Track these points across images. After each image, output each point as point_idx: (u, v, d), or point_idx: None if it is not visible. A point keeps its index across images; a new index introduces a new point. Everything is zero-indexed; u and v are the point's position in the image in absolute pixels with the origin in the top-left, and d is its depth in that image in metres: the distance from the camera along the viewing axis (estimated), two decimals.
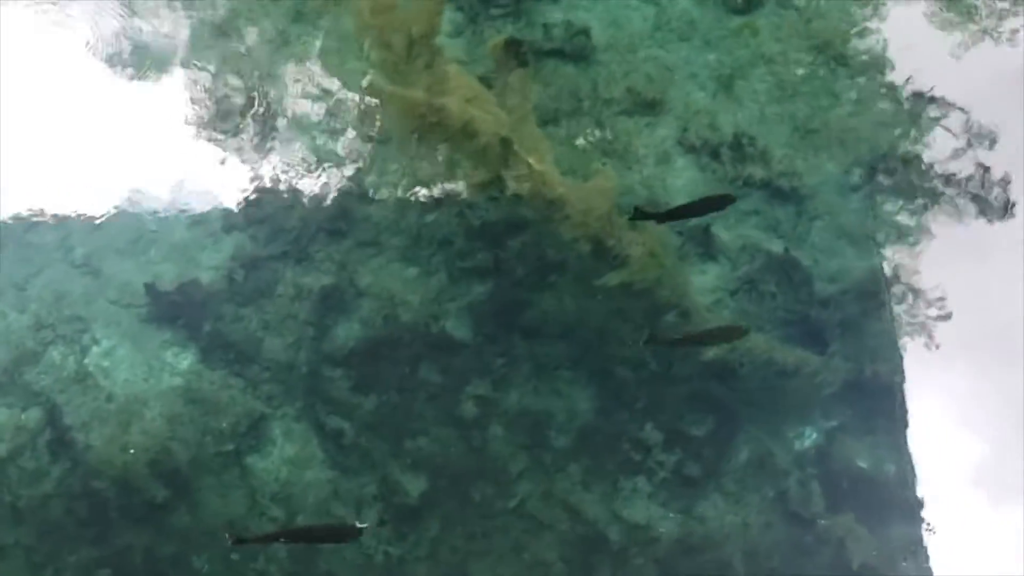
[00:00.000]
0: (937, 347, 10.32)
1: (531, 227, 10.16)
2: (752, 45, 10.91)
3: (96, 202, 10.59)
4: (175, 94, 10.85)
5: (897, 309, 10.44)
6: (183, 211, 10.64)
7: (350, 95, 10.76)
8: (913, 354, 10.32)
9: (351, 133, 10.78)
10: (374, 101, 10.60)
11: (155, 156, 10.65)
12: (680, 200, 10.50)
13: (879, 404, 10.18)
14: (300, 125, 10.79)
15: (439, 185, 10.46)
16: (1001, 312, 10.29)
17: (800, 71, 10.87)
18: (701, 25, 10.96)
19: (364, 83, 10.26)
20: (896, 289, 10.48)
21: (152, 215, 10.61)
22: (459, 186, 10.42)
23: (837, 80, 10.85)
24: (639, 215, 9.18)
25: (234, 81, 10.83)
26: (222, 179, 10.71)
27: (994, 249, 10.58)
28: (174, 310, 10.33)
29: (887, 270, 10.53)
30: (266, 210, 10.60)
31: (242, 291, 10.37)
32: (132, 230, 10.57)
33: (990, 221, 10.64)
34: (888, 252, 10.58)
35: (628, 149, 10.69)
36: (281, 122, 10.80)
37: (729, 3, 10.98)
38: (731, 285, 10.44)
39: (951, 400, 10.16)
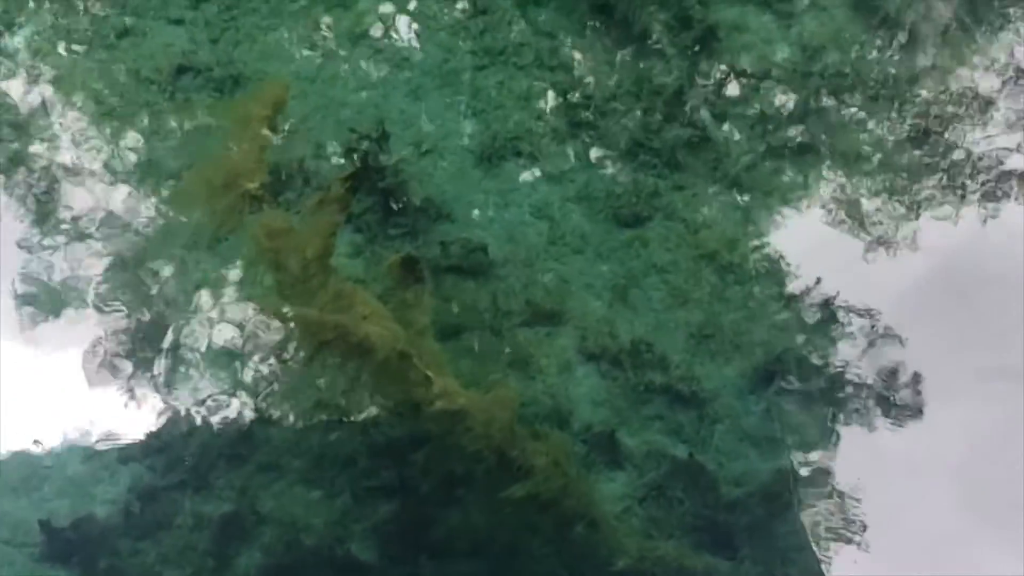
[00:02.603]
0: (859, 549, 10.31)
1: (435, 441, 10.08)
2: (643, 256, 11.21)
3: None
4: (78, 332, 10.80)
5: (814, 512, 10.46)
6: (79, 445, 10.43)
7: (255, 320, 10.78)
8: (837, 559, 10.29)
9: (256, 359, 10.74)
10: (278, 325, 10.62)
11: (53, 393, 10.50)
12: (584, 408, 10.61)
13: None
14: (206, 354, 10.75)
15: (341, 404, 10.41)
16: (921, 515, 10.34)
17: (691, 279, 11.14)
18: (593, 238, 11.26)
19: (262, 306, 10.32)
20: (813, 492, 10.51)
21: (47, 451, 10.37)
22: (362, 403, 10.37)
23: (728, 287, 11.14)
24: None
25: (143, 316, 10.82)
26: (122, 412, 10.56)
27: (908, 452, 10.70)
28: (69, 548, 9.98)
29: (803, 473, 10.58)
30: (164, 439, 10.44)
31: (139, 524, 10.08)
32: (25, 467, 10.30)
33: (900, 425, 10.79)
34: (802, 455, 10.65)
35: (529, 360, 10.78)
36: (187, 352, 10.75)
37: (619, 217, 11.32)
38: (639, 492, 10.39)
39: None
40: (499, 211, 11.31)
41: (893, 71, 11.74)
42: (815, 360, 10.94)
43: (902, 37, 11.79)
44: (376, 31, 11.68)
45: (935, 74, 11.78)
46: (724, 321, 11.01)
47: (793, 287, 11.23)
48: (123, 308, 10.83)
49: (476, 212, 11.27)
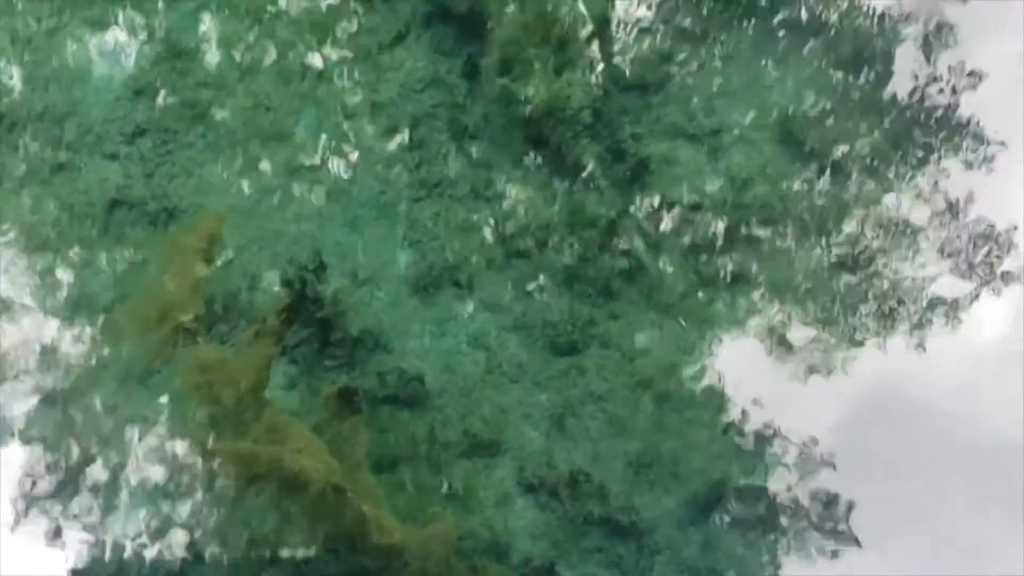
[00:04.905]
0: None
1: None
2: (580, 384, 11.24)
3: None
4: (6, 468, 10.58)
5: None
6: None
7: (187, 455, 10.60)
8: None
9: (188, 494, 10.53)
10: (211, 460, 10.44)
11: None
12: (523, 541, 10.48)
13: None
14: (136, 490, 10.54)
15: (275, 540, 10.19)
16: None
17: (628, 408, 11.16)
18: (530, 367, 11.29)
19: (193, 439, 10.16)
20: None
21: None
22: (296, 539, 10.17)
23: (665, 415, 11.17)
24: None
25: (72, 450, 10.60)
26: (47, 552, 10.32)
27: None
28: None
29: None
30: None
31: None
32: None
33: (835, 555, 10.79)
34: None
35: (467, 492, 10.68)
36: (116, 489, 10.53)
37: (555, 346, 11.39)
38: None
39: None
40: (436, 341, 11.32)
41: (821, 202, 12.01)
42: (753, 487, 10.94)
43: (828, 169, 12.11)
44: (313, 163, 11.79)
45: (862, 205, 12.06)
46: (662, 450, 11.01)
47: (729, 414, 11.28)
48: (52, 444, 10.60)
49: (413, 342, 11.27)
